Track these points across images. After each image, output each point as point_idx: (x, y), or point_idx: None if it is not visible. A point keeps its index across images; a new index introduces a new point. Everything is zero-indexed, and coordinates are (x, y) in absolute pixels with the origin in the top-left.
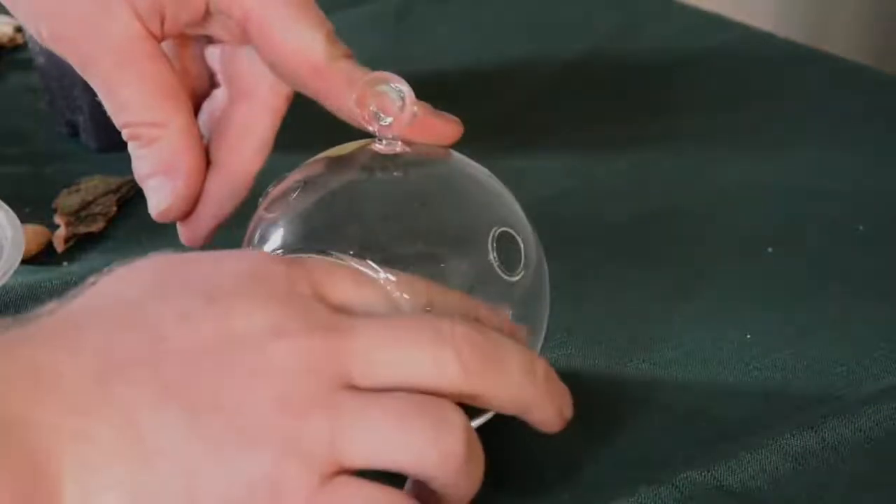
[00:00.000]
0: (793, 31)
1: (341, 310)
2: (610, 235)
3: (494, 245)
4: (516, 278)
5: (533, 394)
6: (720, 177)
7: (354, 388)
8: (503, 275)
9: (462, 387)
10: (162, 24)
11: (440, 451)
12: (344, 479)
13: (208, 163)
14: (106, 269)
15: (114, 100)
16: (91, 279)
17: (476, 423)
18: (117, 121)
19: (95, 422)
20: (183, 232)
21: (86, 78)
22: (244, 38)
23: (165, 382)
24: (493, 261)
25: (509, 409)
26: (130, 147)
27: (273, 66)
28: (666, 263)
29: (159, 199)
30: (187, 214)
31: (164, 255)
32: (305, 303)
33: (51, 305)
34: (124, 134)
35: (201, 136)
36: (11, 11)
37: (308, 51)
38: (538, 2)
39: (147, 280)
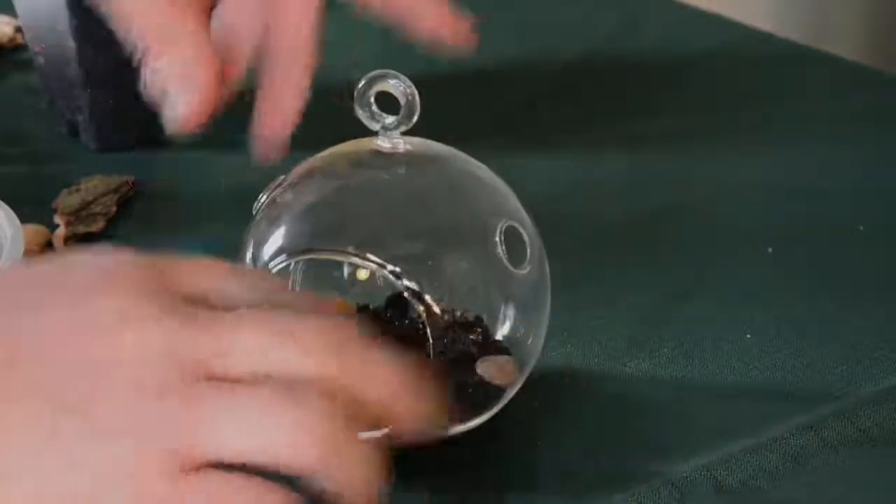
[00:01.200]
0: (793, 31)
1: (201, 302)
2: (610, 235)
3: (502, 238)
4: (524, 271)
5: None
6: (720, 177)
7: (215, 378)
8: (512, 268)
9: (313, 371)
10: None
11: (305, 436)
12: (210, 471)
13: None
14: None
15: (134, 24)
16: None
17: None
18: (132, 41)
19: None
20: (262, 145)
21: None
22: None
23: (22, 378)
24: (501, 254)
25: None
26: (148, 66)
27: None
28: (666, 263)
29: (175, 109)
30: (206, 119)
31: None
32: (159, 292)
33: None
34: (138, 52)
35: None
36: None
37: None
38: (538, 2)
39: (9, 278)
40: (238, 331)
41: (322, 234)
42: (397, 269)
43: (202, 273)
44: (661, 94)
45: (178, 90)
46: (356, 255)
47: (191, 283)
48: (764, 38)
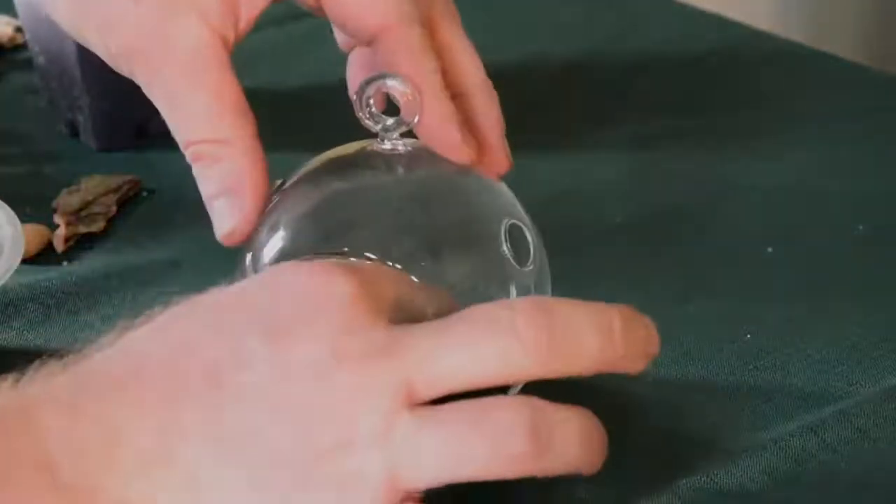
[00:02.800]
0: (793, 31)
1: (397, 310)
2: (610, 235)
3: (507, 236)
4: (528, 269)
5: (613, 352)
6: (720, 177)
7: (418, 404)
8: (517, 266)
9: (533, 372)
10: (237, 19)
11: (503, 457)
12: None
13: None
14: (162, 306)
15: (176, 115)
16: (147, 314)
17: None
18: (180, 139)
19: (160, 485)
20: None
21: (150, 95)
22: (318, 6)
23: (223, 436)
24: (506, 252)
25: (593, 372)
26: (195, 169)
27: (342, 26)
28: (666, 263)
29: (224, 221)
30: (250, 233)
31: (220, 289)
32: (369, 317)
33: (105, 340)
34: (188, 154)
35: (264, 152)
36: (77, 35)
37: (378, 7)
38: (538, 2)
39: (202, 318)
40: (436, 349)
41: (322, 236)
42: (398, 269)
43: (397, 282)
44: (660, 95)
45: (227, 203)
46: (356, 257)
47: (389, 293)
48: (764, 38)
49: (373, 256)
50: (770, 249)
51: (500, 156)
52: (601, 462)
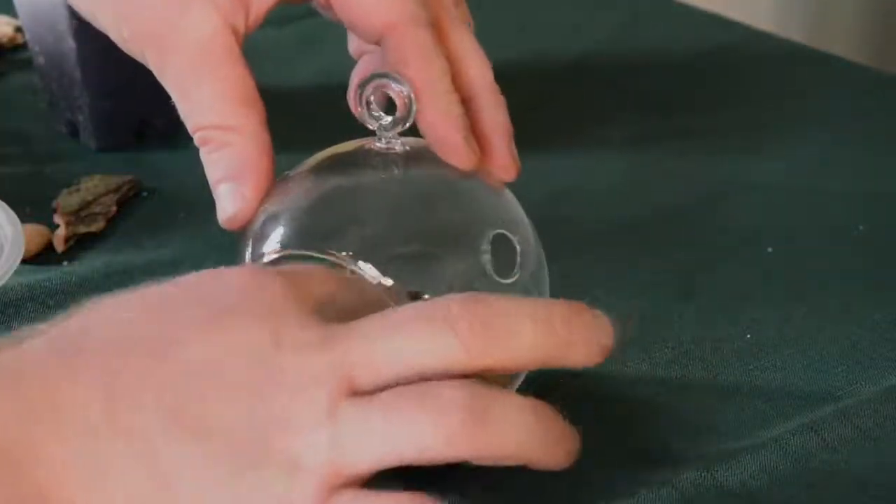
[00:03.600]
0: (793, 31)
1: (327, 306)
2: (610, 236)
3: (489, 247)
4: (510, 281)
5: (555, 344)
6: (720, 176)
7: (357, 393)
8: (497, 277)
9: (468, 364)
10: (248, 12)
11: (441, 433)
12: (351, 493)
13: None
14: (95, 300)
15: (186, 101)
16: (86, 304)
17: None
18: (189, 124)
19: (106, 453)
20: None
21: (161, 80)
22: (328, 4)
23: (170, 407)
24: (486, 263)
25: (532, 366)
26: (202, 153)
27: (351, 25)
28: (666, 263)
29: (226, 205)
30: (251, 218)
31: (163, 282)
32: (301, 315)
33: (42, 326)
34: (196, 138)
35: (271, 140)
36: (92, 19)
37: (386, 5)
38: (538, 2)
39: (142, 303)
40: (375, 342)
41: (311, 233)
42: (366, 266)
43: (323, 280)
44: (661, 95)
45: (230, 189)
46: (331, 256)
47: (320, 292)
48: (764, 38)
49: (364, 259)
50: (770, 249)
51: (506, 161)
52: (561, 454)
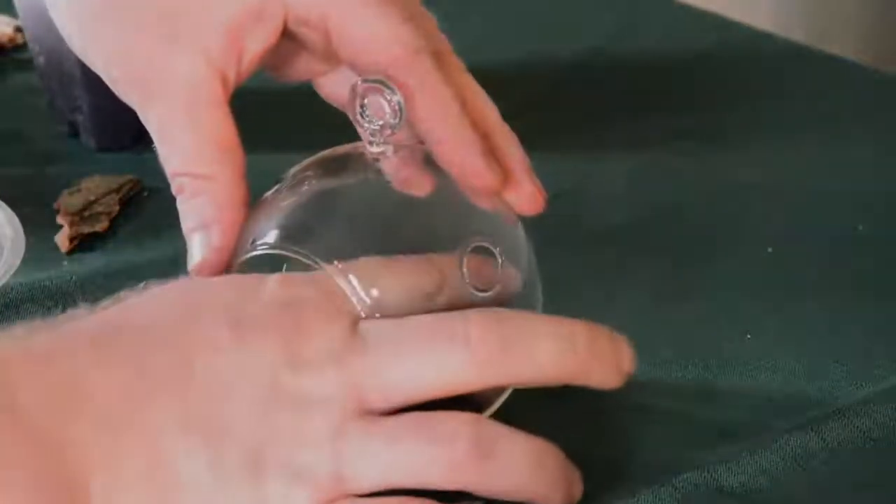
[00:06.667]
0: (793, 31)
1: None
2: (610, 235)
3: (466, 259)
4: (487, 294)
5: (575, 361)
6: (720, 177)
7: (369, 412)
8: (473, 290)
9: (485, 380)
10: (240, 57)
11: (444, 461)
12: (349, 500)
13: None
14: (138, 287)
15: (165, 146)
16: (122, 294)
17: (489, 410)
18: (166, 168)
19: (123, 444)
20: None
21: (144, 123)
22: (326, 48)
23: (189, 411)
24: (463, 275)
25: (552, 383)
26: (178, 201)
27: (354, 63)
28: (666, 264)
29: (195, 253)
30: (223, 267)
31: (189, 280)
32: (324, 330)
33: (81, 311)
34: (172, 186)
35: (247, 189)
36: (84, 59)
37: (388, 39)
38: (538, 2)
39: (178, 301)
40: (389, 360)
41: (291, 235)
42: (366, 300)
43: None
44: (660, 95)
45: (200, 238)
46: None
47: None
48: (764, 38)
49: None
50: (770, 249)
51: (531, 190)
52: (563, 497)
